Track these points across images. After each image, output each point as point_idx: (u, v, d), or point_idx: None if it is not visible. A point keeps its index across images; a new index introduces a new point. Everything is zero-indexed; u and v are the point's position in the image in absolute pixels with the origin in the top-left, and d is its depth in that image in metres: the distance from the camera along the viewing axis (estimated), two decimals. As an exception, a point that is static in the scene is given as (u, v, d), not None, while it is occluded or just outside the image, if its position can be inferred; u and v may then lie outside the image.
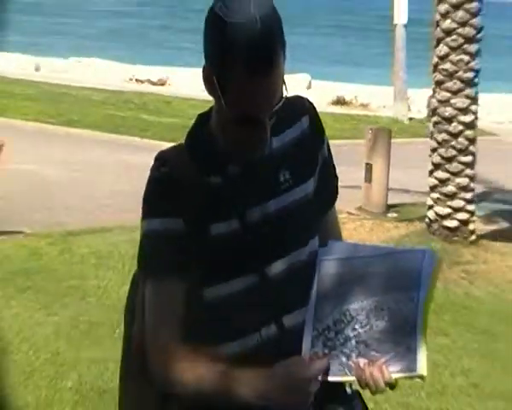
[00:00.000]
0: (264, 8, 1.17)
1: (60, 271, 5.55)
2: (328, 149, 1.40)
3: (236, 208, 1.31)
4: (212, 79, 1.19)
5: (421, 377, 1.24)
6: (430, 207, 6.80)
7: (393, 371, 1.25)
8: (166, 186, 1.28)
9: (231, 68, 1.16)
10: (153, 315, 1.31)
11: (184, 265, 1.27)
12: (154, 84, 15.77)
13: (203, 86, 1.23)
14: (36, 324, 4.56)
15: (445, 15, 6.63)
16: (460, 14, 6.53)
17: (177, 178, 1.28)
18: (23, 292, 5.03)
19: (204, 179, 1.28)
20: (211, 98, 1.24)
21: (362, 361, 1.25)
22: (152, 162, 1.29)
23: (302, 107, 1.37)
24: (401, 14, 12.26)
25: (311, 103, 1.40)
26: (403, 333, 1.29)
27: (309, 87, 14.12)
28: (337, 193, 1.44)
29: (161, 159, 1.29)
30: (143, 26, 35.31)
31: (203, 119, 1.31)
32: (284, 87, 1.23)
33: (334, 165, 1.42)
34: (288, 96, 1.31)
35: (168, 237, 1.27)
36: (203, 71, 1.23)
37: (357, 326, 1.32)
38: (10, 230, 6.32)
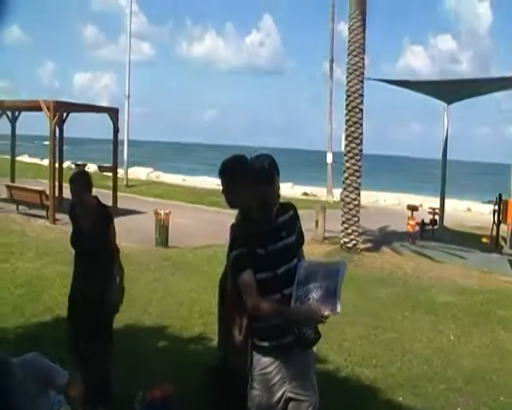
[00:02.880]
0: (268, 160, 2.82)
1: (191, 262, 10.56)
2: (300, 224, 2.97)
3: (264, 245, 2.84)
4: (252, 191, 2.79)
5: (338, 313, 2.63)
6: (341, 238, 12.43)
7: (328, 311, 2.65)
8: (237, 235, 2.91)
9: (255, 184, 2.79)
10: (245, 284, 2.78)
11: (250, 265, 2.78)
12: None
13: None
14: (182, 283, 9.12)
15: (347, 161, 12.46)
16: (352, 161, 12.31)
17: (240, 232, 2.93)
18: (179, 270, 9.84)
19: (252, 233, 2.86)
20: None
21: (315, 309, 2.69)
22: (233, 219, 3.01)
23: (290, 206, 2.99)
24: (328, 159, 22.45)
25: (293, 205, 3.01)
26: (331, 296, 2.68)
27: (292, 187, 25.08)
28: (303, 242, 3.02)
29: (233, 225, 3.01)
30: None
31: (250, 209, 2.91)
32: (280, 193, 2.85)
33: (302, 230, 2.98)
34: (285, 202, 2.97)
35: (242, 255, 2.80)
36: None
37: (312, 294, 2.73)
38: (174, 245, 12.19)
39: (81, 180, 4.39)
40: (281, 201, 2.97)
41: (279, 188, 2.87)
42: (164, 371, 5.18)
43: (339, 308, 2.67)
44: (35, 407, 3.35)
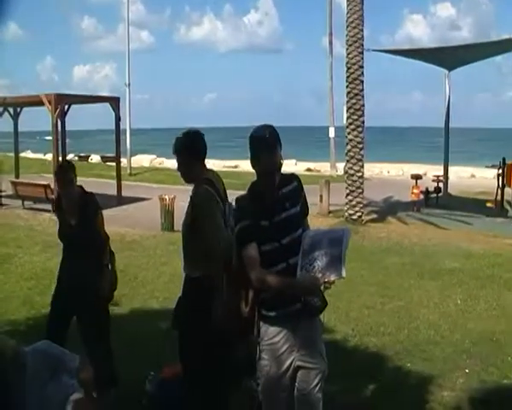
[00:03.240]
0: (269, 129, 2.84)
1: None
2: (304, 194, 3.01)
3: (268, 216, 2.89)
4: (253, 162, 2.86)
5: (344, 277, 2.70)
6: (346, 211, 12.70)
7: (333, 277, 2.74)
8: (241, 208, 2.96)
9: (256, 153, 2.83)
10: (248, 256, 2.85)
11: (254, 237, 2.85)
12: (233, 167, 27.27)
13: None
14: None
15: (349, 133, 12.54)
16: (354, 133, 12.39)
17: (244, 205, 2.97)
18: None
19: (256, 205, 2.90)
20: (253, 171, 2.87)
21: (321, 275, 2.75)
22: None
23: (293, 177, 3.03)
24: (331, 133, 22.08)
25: (297, 176, 3.07)
26: (336, 262, 2.75)
27: (296, 164, 24.80)
28: (308, 212, 3.05)
29: (238, 198, 2.99)
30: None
31: (253, 183, 2.95)
32: (282, 162, 2.85)
33: (306, 200, 3.04)
34: (288, 173, 3.04)
35: (246, 227, 2.88)
36: (250, 159, 2.86)
37: (318, 262, 2.77)
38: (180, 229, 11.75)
39: (67, 172, 4.33)
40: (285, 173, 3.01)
41: (281, 158, 2.88)
42: (173, 352, 5.20)
43: (344, 273, 2.72)
44: (48, 395, 3.39)
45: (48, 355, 3.44)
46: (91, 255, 4.23)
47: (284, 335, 2.91)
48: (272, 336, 2.93)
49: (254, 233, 2.85)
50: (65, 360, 3.52)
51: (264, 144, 2.83)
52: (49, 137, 16.85)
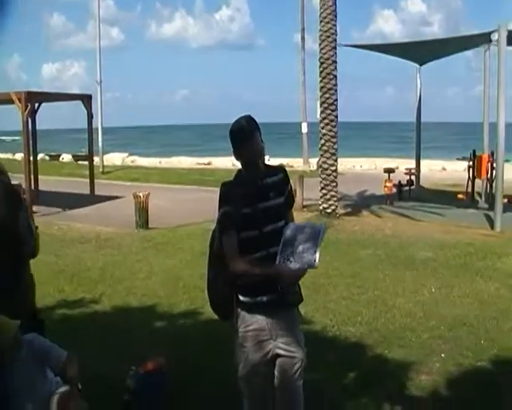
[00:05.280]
0: (246, 118, 2.85)
1: (172, 241, 10.36)
2: (291, 187, 3.11)
3: (250, 204, 2.91)
4: (235, 155, 2.89)
5: (316, 267, 2.78)
6: (320, 204, 12.61)
7: (307, 266, 2.81)
8: (225, 193, 2.95)
9: (237, 146, 2.85)
10: (227, 244, 2.89)
11: (234, 224, 2.88)
12: (206, 164, 27.89)
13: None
14: (165, 262, 10.18)
15: (323, 127, 12.59)
16: (328, 127, 12.44)
17: (228, 190, 2.97)
18: (161, 250, 9.71)
19: (239, 191, 2.90)
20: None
21: (298, 266, 2.80)
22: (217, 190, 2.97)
23: (280, 169, 3.12)
24: (304, 129, 22.46)
25: (284, 168, 3.16)
26: (312, 252, 2.81)
27: (268, 160, 25.06)
28: (293, 205, 3.13)
29: (223, 183, 3.00)
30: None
31: (239, 170, 2.96)
32: (263, 146, 2.87)
33: (292, 193, 3.11)
34: (275, 165, 3.25)
35: (227, 213, 2.90)
36: (233, 152, 2.90)
37: (295, 253, 2.82)
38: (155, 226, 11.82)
39: None
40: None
41: (262, 143, 2.91)
42: (154, 347, 5.18)
43: (317, 263, 2.78)
44: (36, 389, 3.37)
45: (35, 348, 3.42)
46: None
47: (262, 322, 2.94)
48: (250, 322, 2.96)
49: (235, 220, 2.87)
50: (52, 354, 3.50)
51: (243, 135, 2.86)
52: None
